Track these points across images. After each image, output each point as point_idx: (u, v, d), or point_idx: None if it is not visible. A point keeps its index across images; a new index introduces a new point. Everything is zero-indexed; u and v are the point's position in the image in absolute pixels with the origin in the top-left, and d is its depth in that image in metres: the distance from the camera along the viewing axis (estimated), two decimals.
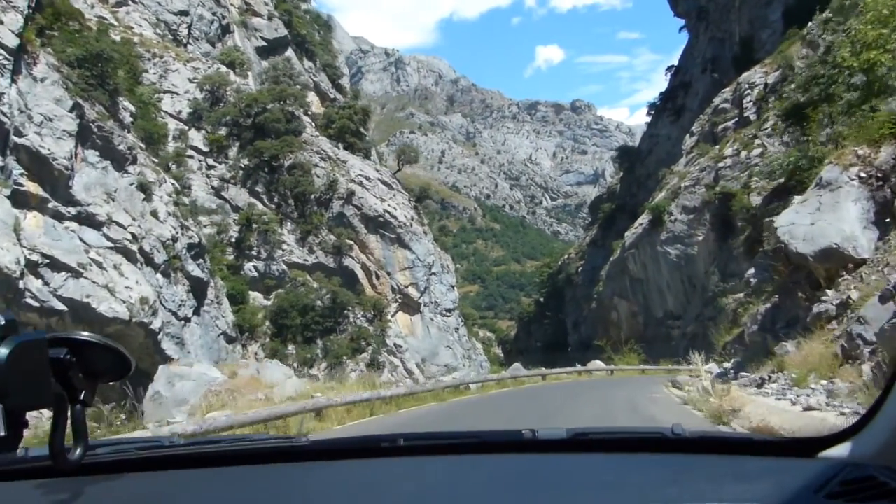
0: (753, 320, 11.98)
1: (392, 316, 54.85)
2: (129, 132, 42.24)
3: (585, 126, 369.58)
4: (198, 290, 44.10)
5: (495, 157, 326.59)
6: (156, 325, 37.69)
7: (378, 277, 55.22)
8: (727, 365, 12.94)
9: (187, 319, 42.64)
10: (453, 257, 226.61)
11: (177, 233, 42.62)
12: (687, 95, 79.78)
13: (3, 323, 1.20)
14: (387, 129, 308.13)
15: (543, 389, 28.28)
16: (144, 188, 40.25)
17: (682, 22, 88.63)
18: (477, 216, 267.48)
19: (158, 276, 40.55)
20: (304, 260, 54.17)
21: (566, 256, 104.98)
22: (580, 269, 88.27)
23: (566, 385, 31.03)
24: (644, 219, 56.38)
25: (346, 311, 52.26)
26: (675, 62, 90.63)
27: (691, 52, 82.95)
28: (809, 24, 54.36)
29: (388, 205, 57.65)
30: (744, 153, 52.55)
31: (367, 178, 58.19)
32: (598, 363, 33.39)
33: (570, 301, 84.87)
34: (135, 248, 38.31)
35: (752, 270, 14.98)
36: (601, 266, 71.53)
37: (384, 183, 60.20)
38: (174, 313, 40.98)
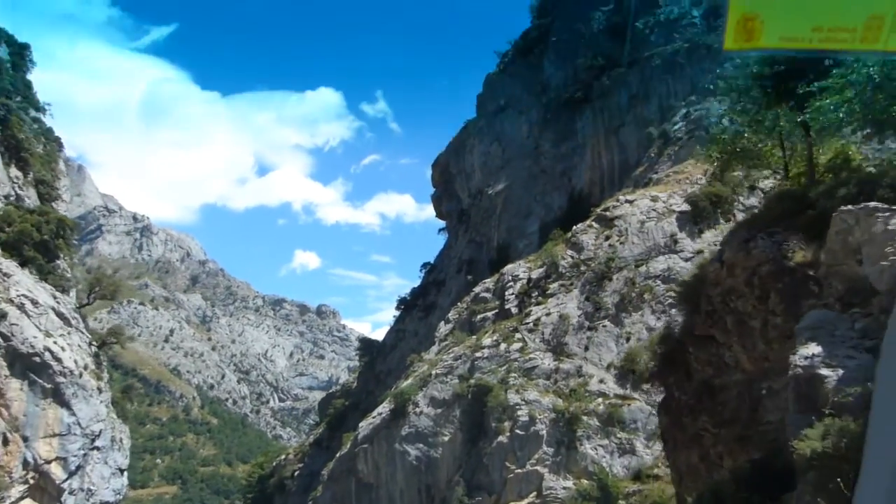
0: None
1: None
2: None
3: (328, 332, 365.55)
4: None
5: (229, 347, 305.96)
6: None
7: (6, 443, 37.70)
8: None
9: None
10: (156, 451, 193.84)
11: None
12: (439, 294, 75.13)
13: None
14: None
15: None
16: None
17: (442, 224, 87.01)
18: (194, 406, 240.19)
19: None
20: None
21: (283, 457, 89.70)
22: (297, 473, 74.33)
23: None
24: (385, 408, 46.47)
25: None
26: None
27: (448, 253, 79.99)
28: (574, 227, 52.75)
29: (56, 343, 41.77)
30: (503, 346, 46.17)
31: (35, 303, 42.30)
32: None
33: None
34: None
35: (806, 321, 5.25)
36: (323, 469, 59.15)
37: (60, 315, 44.46)
38: None
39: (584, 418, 41.95)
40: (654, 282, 47.45)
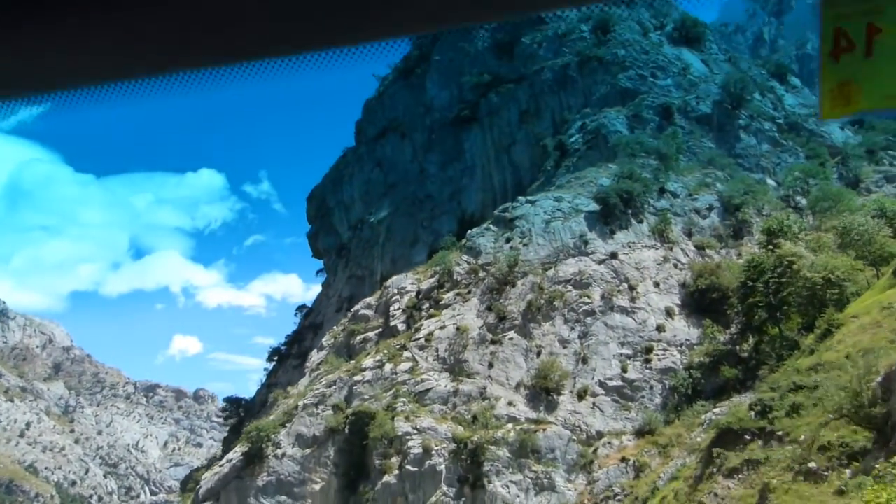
0: None
1: None
2: None
3: (206, 417, 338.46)
4: None
5: (94, 439, 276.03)
6: None
7: None
8: None
9: None
10: None
11: None
12: (316, 338, 64.30)
13: None
14: None
15: None
16: None
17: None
18: None
19: None
20: None
21: None
22: None
23: None
24: (236, 453, 35.06)
25: None
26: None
27: (326, 292, 69.56)
28: (469, 231, 44.57)
29: None
30: (388, 366, 36.31)
31: None
32: None
33: None
34: None
35: None
36: None
37: None
38: None
39: (492, 449, 32.52)
40: (564, 287, 39.61)
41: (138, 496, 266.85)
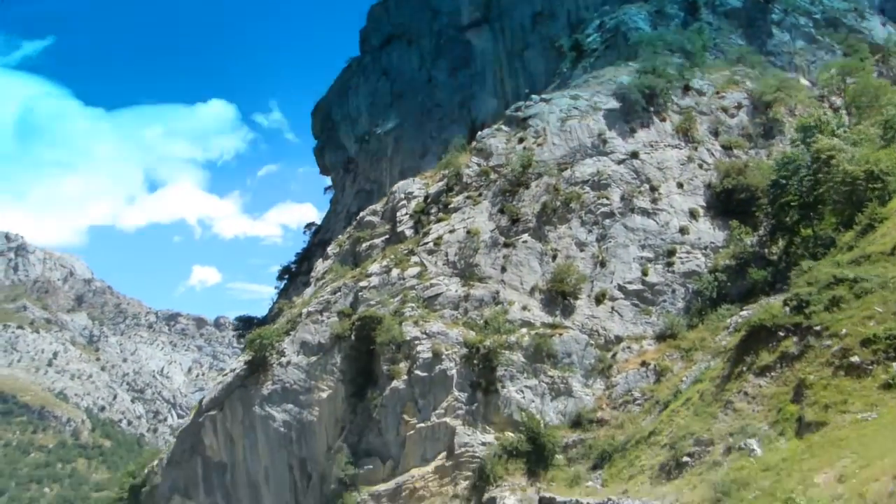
0: None
1: None
2: None
3: (227, 343, 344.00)
4: None
5: (120, 366, 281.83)
6: None
7: None
8: None
9: None
10: (43, 479, 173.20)
11: None
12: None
13: None
14: None
15: None
16: None
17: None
18: (84, 430, 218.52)
19: None
20: None
21: (155, 462, 74.00)
22: None
23: None
24: (240, 362, 33.75)
25: None
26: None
27: (335, 209, 67.47)
28: (479, 133, 41.86)
29: None
30: (395, 272, 34.31)
31: None
32: None
33: None
34: None
35: None
36: None
37: None
38: None
39: (506, 353, 30.79)
40: (581, 188, 37.05)
41: (165, 419, 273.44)
